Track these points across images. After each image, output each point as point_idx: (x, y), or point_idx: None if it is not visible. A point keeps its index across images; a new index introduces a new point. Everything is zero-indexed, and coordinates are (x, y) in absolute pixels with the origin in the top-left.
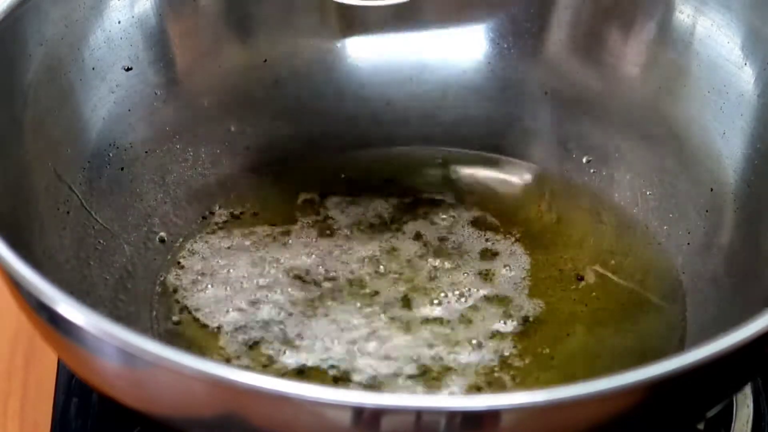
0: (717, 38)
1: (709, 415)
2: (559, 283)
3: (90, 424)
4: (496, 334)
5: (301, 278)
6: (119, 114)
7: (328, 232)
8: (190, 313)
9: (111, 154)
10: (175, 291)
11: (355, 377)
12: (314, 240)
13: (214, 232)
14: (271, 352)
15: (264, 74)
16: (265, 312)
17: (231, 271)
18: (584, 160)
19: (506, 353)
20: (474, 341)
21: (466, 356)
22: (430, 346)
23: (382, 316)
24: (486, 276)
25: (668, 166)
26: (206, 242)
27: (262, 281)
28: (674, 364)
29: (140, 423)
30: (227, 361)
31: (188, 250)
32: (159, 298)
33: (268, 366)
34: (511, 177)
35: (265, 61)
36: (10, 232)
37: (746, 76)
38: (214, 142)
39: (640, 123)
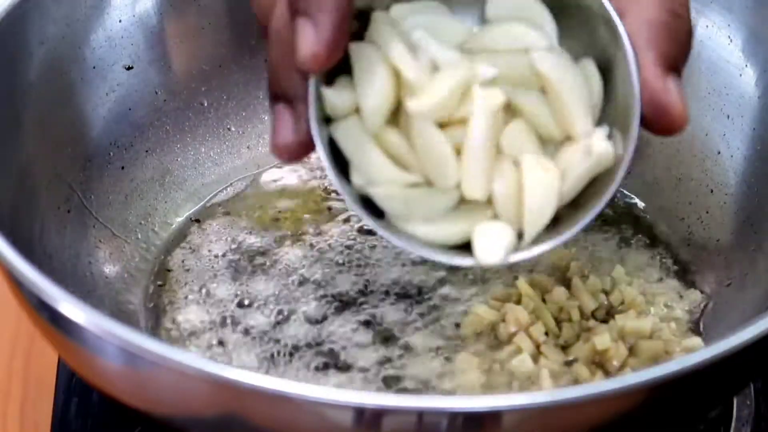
0: (718, 40)
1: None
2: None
3: (90, 424)
4: None
5: (300, 279)
6: (120, 113)
7: (327, 232)
8: (189, 312)
9: (111, 154)
10: (175, 290)
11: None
12: (314, 240)
13: (214, 232)
14: (267, 352)
15: (264, 74)
16: (263, 311)
17: (231, 270)
18: None
19: None
20: None
21: None
22: None
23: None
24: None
25: (668, 167)
26: (206, 242)
27: (261, 279)
28: (674, 365)
29: (141, 423)
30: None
31: (188, 249)
32: (159, 298)
33: (264, 366)
34: None
35: (266, 60)
36: (11, 231)
37: (747, 78)
38: (214, 142)
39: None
